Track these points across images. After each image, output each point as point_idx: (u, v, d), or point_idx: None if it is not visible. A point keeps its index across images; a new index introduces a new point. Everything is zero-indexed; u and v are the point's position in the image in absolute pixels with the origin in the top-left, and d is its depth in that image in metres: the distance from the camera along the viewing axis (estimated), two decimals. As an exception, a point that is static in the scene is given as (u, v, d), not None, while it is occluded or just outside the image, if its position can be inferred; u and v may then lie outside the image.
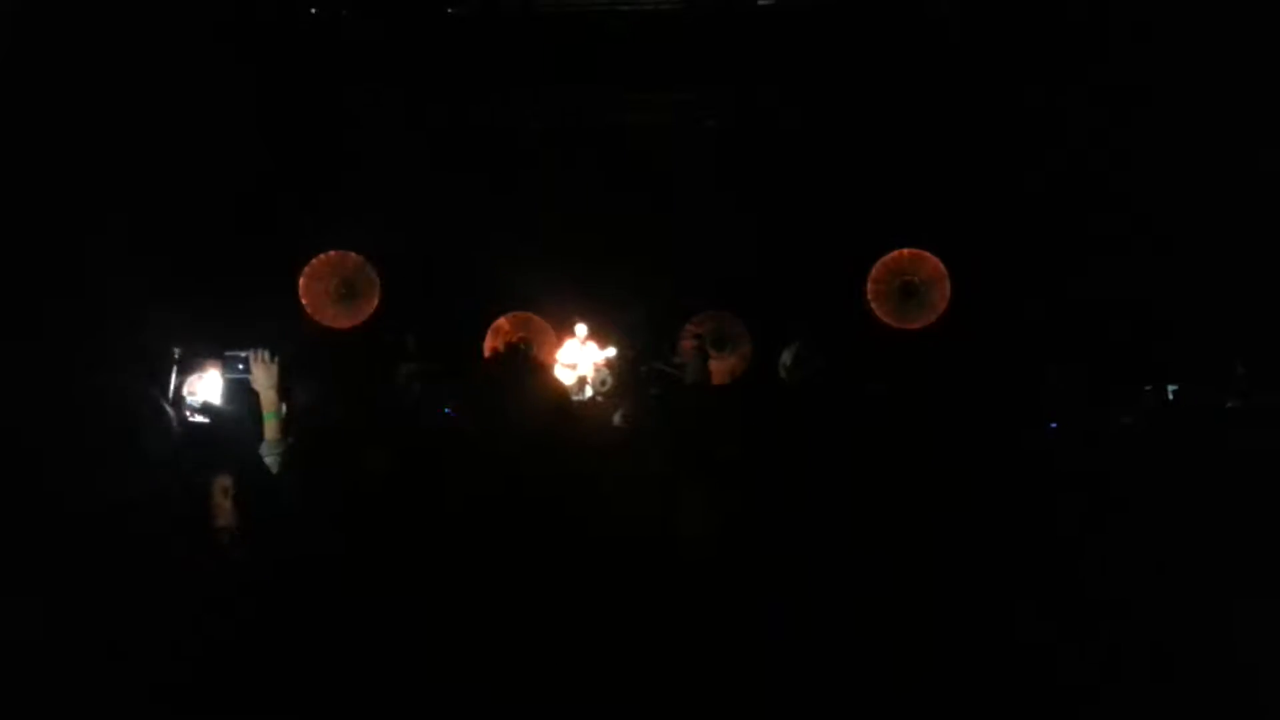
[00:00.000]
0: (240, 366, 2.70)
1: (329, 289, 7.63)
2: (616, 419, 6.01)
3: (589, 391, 7.76)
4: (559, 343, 8.09)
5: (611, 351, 7.86)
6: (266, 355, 2.65)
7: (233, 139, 6.09)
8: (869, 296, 7.89)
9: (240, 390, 2.77)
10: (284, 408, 2.64)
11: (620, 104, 7.80)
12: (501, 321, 8.06)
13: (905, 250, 7.78)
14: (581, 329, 7.86)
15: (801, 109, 7.43)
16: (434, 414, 6.77)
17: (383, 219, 7.22)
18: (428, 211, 7.18)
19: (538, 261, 7.67)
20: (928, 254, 7.81)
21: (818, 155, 7.47)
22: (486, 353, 7.32)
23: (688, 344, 7.85)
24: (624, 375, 7.70)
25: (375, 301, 7.70)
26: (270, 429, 2.56)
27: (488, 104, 7.60)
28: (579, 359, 7.86)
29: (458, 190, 7.21)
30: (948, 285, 7.76)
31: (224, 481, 2.10)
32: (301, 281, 7.58)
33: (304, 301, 7.56)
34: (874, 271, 7.89)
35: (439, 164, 7.37)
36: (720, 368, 7.99)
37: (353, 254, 7.63)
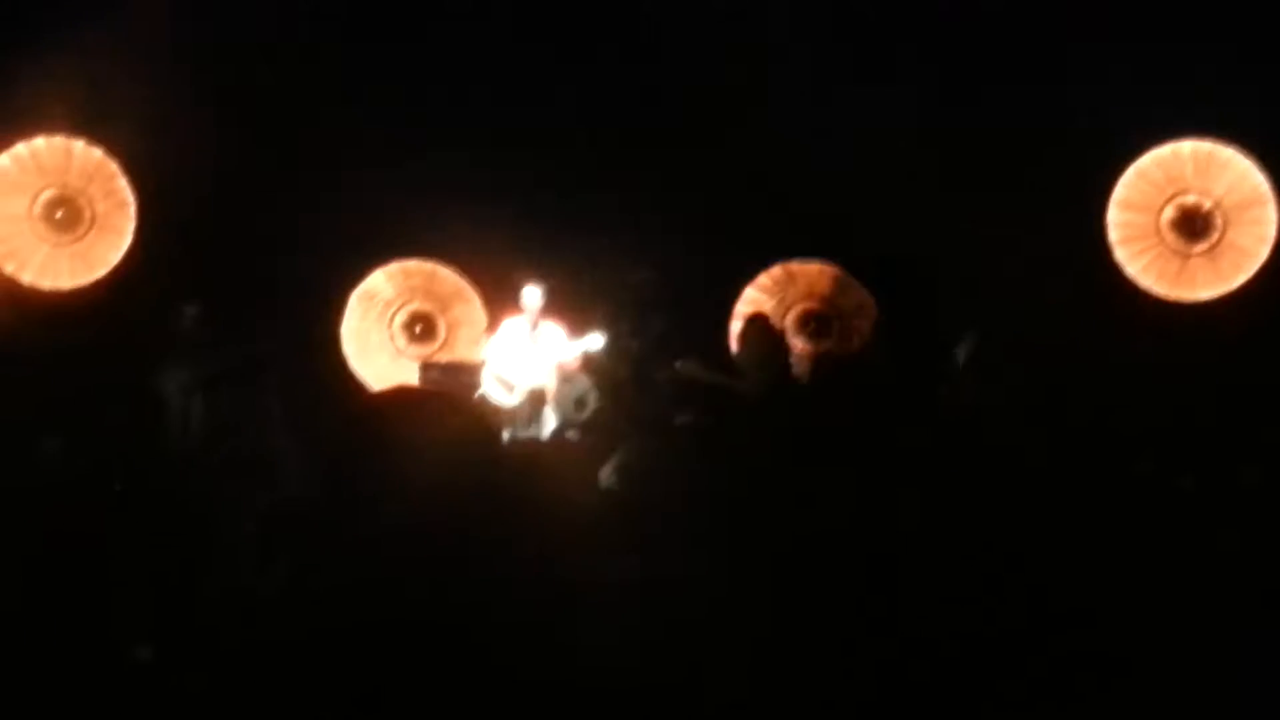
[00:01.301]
0: None
1: (33, 212, 7.58)
2: (606, 475, 5.76)
3: (551, 422, 7.93)
4: (490, 325, 8.12)
5: (595, 341, 7.97)
6: None
7: None
8: (1114, 240, 7.81)
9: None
10: None
11: None
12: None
13: (1186, 142, 7.70)
14: (533, 296, 7.91)
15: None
16: (229, 461, 6.83)
17: (144, 85, 7.21)
18: (232, 73, 7.31)
19: (448, 165, 7.70)
20: (1232, 152, 7.65)
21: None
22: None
23: (749, 326, 7.91)
24: (620, 389, 7.99)
25: (125, 239, 7.68)
26: None
27: None
28: (528, 355, 7.91)
29: (291, 32, 7.36)
30: (1273, 216, 7.64)
31: None
32: None
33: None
34: (1122, 189, 7.78)
35: None
36: (814, 365, 7.91)
37: (83, 144, 7.58)
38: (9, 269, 7.51)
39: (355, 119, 7.51)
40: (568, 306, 7.86)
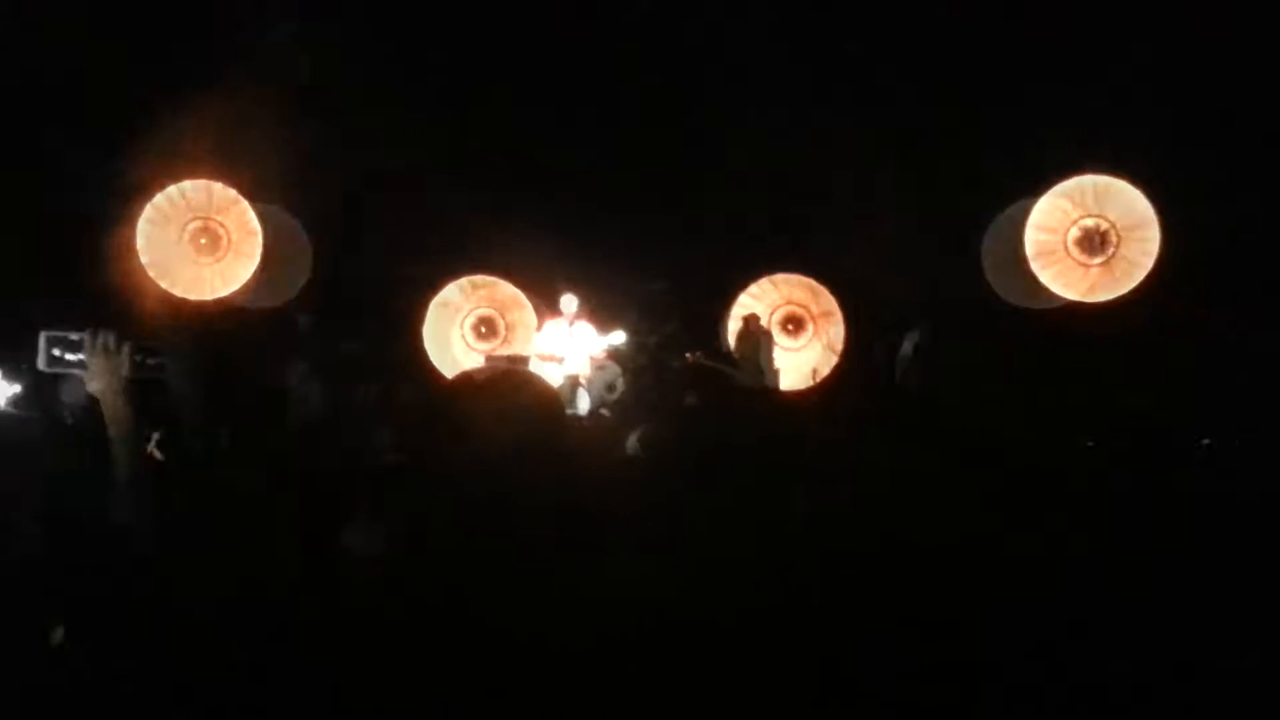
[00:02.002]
0: (66, 355, 2.49)
1: (182, 238, 7.49)
2: (631, 444, 5.80)
3: (585, 401, 7.88)
4: (538, 326, 8.03)
5: (619, 337, 7.97)
6: (110, 339, 2.46)
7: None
8: (1030, 256, 7.65)
9: (70, 393, 2.78)
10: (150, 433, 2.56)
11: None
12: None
13: (1088, 179, 7.53)
14: (570, 303, 7.87)
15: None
16: (347, 436, 6.90)
17: (267, 133, 7.15)
18: (337, 124, 7.26)
19: (510, 201, 7.72)
20: (1128, 184, 7.52)
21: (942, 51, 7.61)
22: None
23: (744, 326, 8.25)
24: (642, 375, 7.89)
25: (254, 261, 7.60)
26: (123, 462, 2.37)
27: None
28: (567, 349, 7.90)
29: (385, 91, 7.36)
30: (1156, 234, 7.52)
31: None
32: (141, 228, 7.41)
33: (143, 259, 7.37)
34: (1037, 214, 7.62)
35: (357, 51, 7.32)
36: (795, 363, 7.76)
37: (220, 185, 7.49)
38: (164, 284, 7.44)
39: (432, 166, 7.42)
40: (598, 311, 7.95)
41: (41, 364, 2.54)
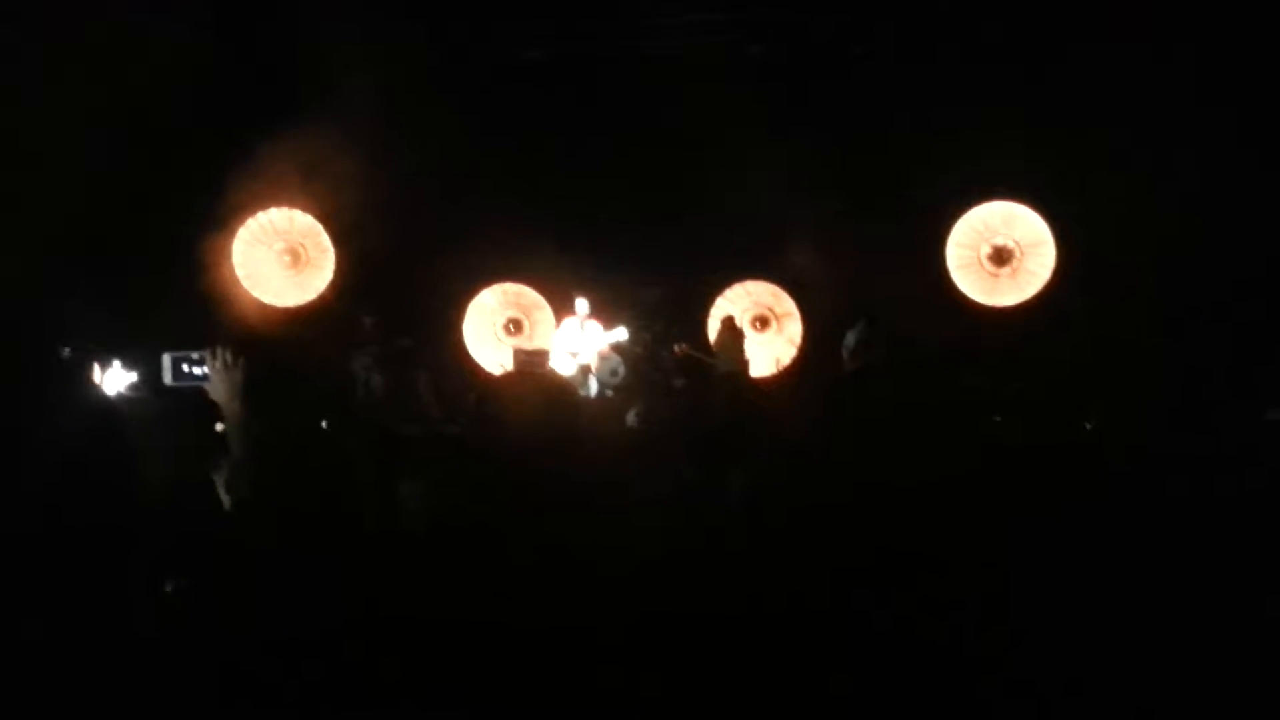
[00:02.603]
0: (192, 370, 2.41)
1: (272, 257, 7.50)
2: (630, 418, 5.90)
3: (594, 385, 7.82)
4: (556, 324, 8.05)
5: (621, 333, 7.89)
6: (228, 356, 2.40)
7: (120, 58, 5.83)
8: (951, 266, 7.72)
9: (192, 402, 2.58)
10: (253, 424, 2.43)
11: (636, 27, 7.68)
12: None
13: (996, 202, 7.59)
14: (582, 305, 7.85)
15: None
16: (400, 414, 6.97)
17: (336, 169, 7.07)
18: (394, 161, 7.04)
19: (530, 220, 7.51)
20: (1025, 209, 7.58)
21: (884, 89, 7.41)
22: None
23: (723, 324, 7.19)
24: (640, 363, 7.77)
25: (328, 274, 7.61)
26: (236, 446, 2.32)
27: (467, 23, 7.48)
28: (579, 343, 7.83)
29: (432, 134, 7.12)
30: (1052, 251, 7.57)
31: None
32: (237, 247, 7.44)
33: (240, 273, 7.42)
34: (956, 233, 7.70)
35: (407, 102, 7.12)
36: (762, 354, 7.76)
37: (299, 211, 7.51)
38: (256, 293, 7.46)
39: (473, 190, 7.36)
40: (604, 312, 7.92)
41: (167, 379, 2.45)
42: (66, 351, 6.09)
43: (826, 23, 7.62)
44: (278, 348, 6.76)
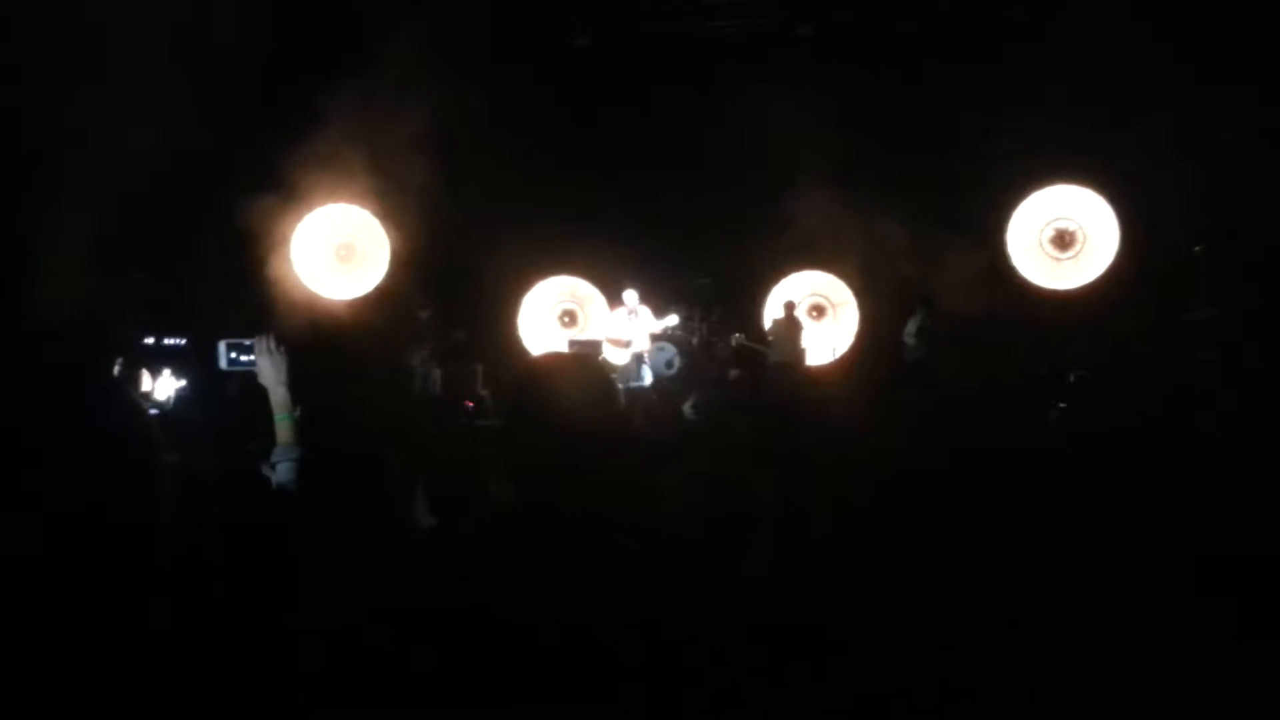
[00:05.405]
0: (242, 357, 2.54)
1: (327, 251, 7.55)
2: (687, 409, 5.88)
3: (648, 375, 7.86)
4: (608, 313, 8.08)
5: (672, 320, 7.87)
6: (273, 342, 2.50)
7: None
8: (1011, 250, 7.57)
9: (244, 387, 2.73)
10: (299, 409, 2.54)
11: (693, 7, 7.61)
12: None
13: (1059, 185, 7.40)
14: (631, 296, 7.81)
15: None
16: (457, 407, 7.04)
17: (390, 166, 7.08)
18: (448, 156, 7.00)
19: (587, 218, 7.62)
20: (1088, 191, 7.38)
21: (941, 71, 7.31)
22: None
23: (785, 310, 7.68)
24: (695, 354, 7.86)
25: (384, 268, 7.63)
26: (283, 431, 2.42)
27: (521, 13, 7.50)
28: (631, 333, 7.82)
29: (484, 130, 7.03)
30: (1115, 234, 7.39)
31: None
32: (294, 242, 7.49)
33: (296, 268, 7.51)
34: (1021, 218, 7.51)
35: (459, 95, 6.96)
36: (819, 343, 7.79)
37: (356, 207, 7.53)
38: (313, 287, 7.52)
39: (530, 194, 7.37)
40: (656, 301, 7.93)
41: (222, 364, 2.57)
42: (118, 368, 6.25)
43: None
44: (337, 341, 6.84)
